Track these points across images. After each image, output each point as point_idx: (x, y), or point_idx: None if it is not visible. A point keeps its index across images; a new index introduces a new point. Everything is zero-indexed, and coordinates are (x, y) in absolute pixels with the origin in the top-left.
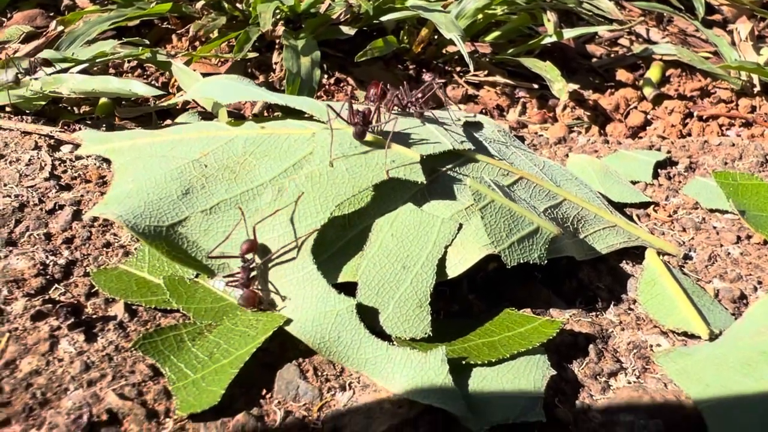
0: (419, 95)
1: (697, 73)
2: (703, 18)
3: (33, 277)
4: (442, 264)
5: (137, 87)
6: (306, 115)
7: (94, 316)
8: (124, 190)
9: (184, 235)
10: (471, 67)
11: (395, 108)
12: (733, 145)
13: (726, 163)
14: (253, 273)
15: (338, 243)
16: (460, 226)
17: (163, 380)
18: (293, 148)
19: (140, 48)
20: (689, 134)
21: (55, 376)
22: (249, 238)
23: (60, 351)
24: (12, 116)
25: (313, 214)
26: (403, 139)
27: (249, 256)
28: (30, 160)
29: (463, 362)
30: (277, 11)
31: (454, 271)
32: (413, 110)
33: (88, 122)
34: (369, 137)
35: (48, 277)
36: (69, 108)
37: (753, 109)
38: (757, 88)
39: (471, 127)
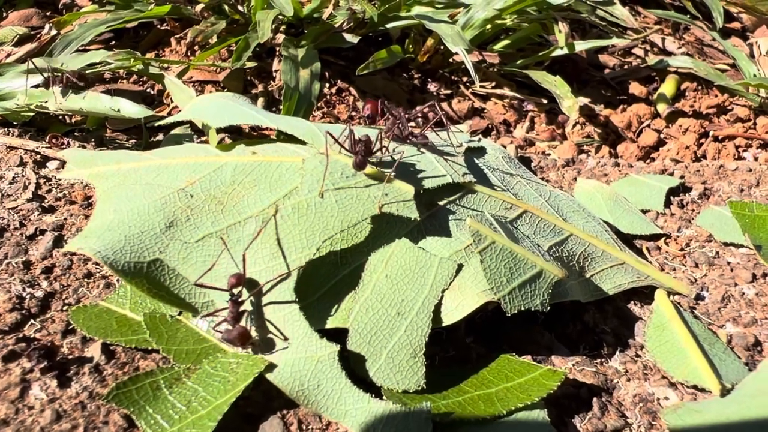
0: (419, 117)
1: (714, 88)
2: (722, 27)
3: (8, 311)
4: (437, 309)
5: (127, 107)
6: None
7: (70, 357)
8: (104, 221)
9: (165, 269)
10: (476, 81)
11: (394, 137)
12: (750, 170)
13: (742, 190)
14: (243, 308)
15: (329, 282)
16: (460, 266)
17: None
18: (284, 178)
19: (132, 59)
20: (704, 156)
21: (24, 426)
22: (237, 272)
23: (31, 398)
24: None
25: (298, 249)
26: (401, 170)
27: (237, 290)
28: (14, 178)
29: (456, 419)
30: (279, 17)
31: (450, 318)
32: (414, 141)
33: (77, 134)
34: (368, 169)
35: (24, 312)
36: (59, 118)
37: None
38: None
39: (473, 153)
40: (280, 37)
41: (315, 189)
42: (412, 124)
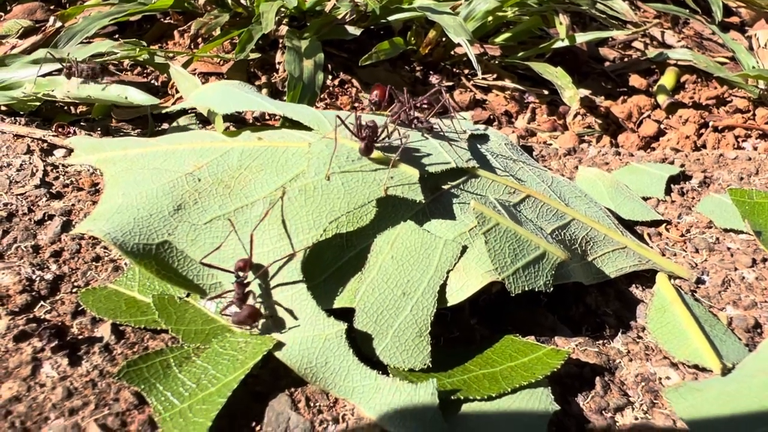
0: (425, 104)
1: (713, 80)
2: (720, 20)
3: (18, 293)
4: (442, 290)
5: (134, 95)
6: (305, 125)
7: (80, 337)
8: (113, 204)
9: (173, 251)
10: (479, 72)
11: (400, 122)
12: (750, 159)
13: (742, 179)
14: (248, 289)
15: (335, 264)
16: (464, 248)
17: (148, 408)
18: (291, 162)
19: (138, 49)
20: (704, 146)
21: (36, 403)
22: (244, 257)
23: (42, 375)
24: (5, 118)
25: (305, 230)
26: (406, 154)
27: (243, 273)
28: (21, 165)
29: (461, 396)
30: (282, 10)
31: (455, 298)
32: (419, 126)
33: (83, 124)
34: (374, 154)
35: (34, 293)
36: (65, 108)
37: None
38: None
39: (477, 140)
40: (283, 29)
41: (321, 172)
42: (418, 111)
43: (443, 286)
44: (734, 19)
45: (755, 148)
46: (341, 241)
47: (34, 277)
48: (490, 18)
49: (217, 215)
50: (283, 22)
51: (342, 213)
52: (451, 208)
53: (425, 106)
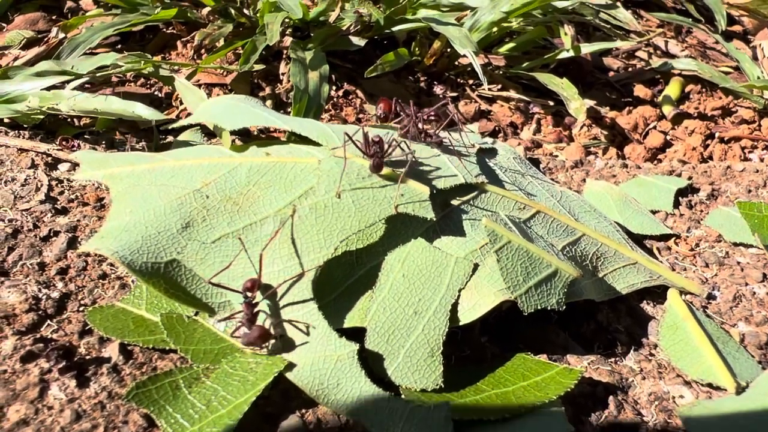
0: (432, 116)
1: (718, 90)
2: (724, 29)
3: (24, 312)
4: (454, 308)
5: (141, 109)
6: (312, 140)
7: (87, 358)
8: (121, 222)
9: (182, 269)
10: (485, 83)
11: (409, 136)
12: (757, 171)
13: (750, 191)
14: (258, 309)
15: (345, 283)
16: (475, 266)
17: (158, 431)
18: (299, 178)
19: (142, 62)
20: (710, 157)
21: (44, 426)
22: (252, 277)
23: (50, 398)
24: (8, 131)
25: (316, 249)
26: (415, 170)
27: (251, 294)
28: (26, 180)
29: (475, 417)
30: (286, 20)
31: (467, 317)
32: (427, 141)
33: (87, 137)
34: (384, 170)
35: (40, 312)
36: (69, 120)
37: None
38: None
39: (485, 154)
40: (287, 40)
41: (332, 190)
42: (426, 123)
43: (455, 305)
44: (737, 28)
45: (762, 160)
46: (351, 259)
47: (40, 295)
48: (494, 29)
49: (225, 233)
50: (287, 32)
51: (353, 231)
52: (462, 224)
53: (432, 118)
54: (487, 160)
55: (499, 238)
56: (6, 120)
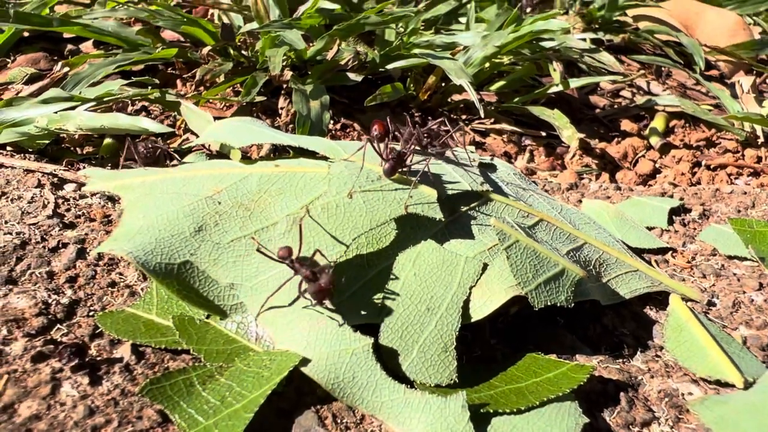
0: (432, 130)
1: (701, 124)
2: (703, 69)
3: (34, 316)
4: (465, 306)
5: (148, 124)
6: (318, 157)
7: (99, 358)
8: (134, 226)
9: (195, 271)
10: (481, 112)
11: (414, 146)
12: (745, 193)
13: (739, 211)
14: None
15: (357, 284)
16: (485, 266)
17: (172, 426)
18: (309, 186)
19: (149, 87)
20: (698, 182)
21: (57, 421)
22: (283, 245)
23: (62, 394)
24: (14, 154)
25: (329, 247)
26: (424, 177)
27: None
28: (32, 198)
29: (490, 410)
30: (285, 56)
31: (478, 313)
32: (432, 150)
33: (93, 162)
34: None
35: (50, 316)
36: (71, 148)
37: (759, 159)
38: (761, 140)
39: (486, 169)
40: (287, 74)
41: (343, 191)
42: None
43: (466, 302)
44: (713, 72)
45: (748, 185)
46: (362, 261)
47: (50, 300)
48: (487, 64)
49: (238, 236)
50: (286, 68)
51: (365, 230)
52: (469, 229)
53: (433, 132)
54: (489, 174)
55: (507, 237)
56: (8, 147)
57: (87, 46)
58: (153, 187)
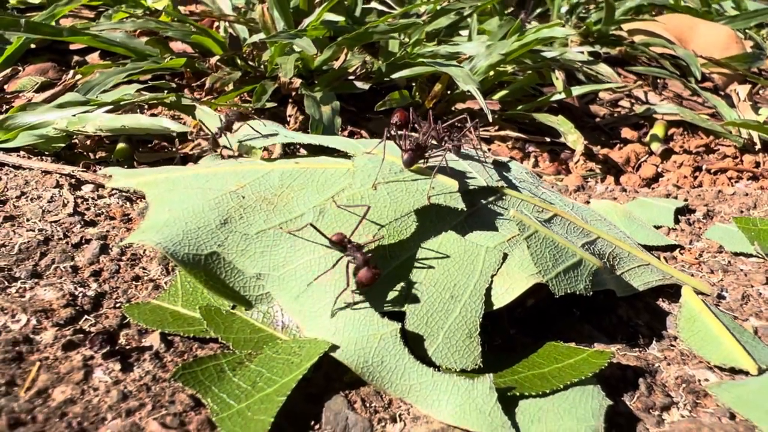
0: (454, 125)
1: (700, 132)
2: (699, 79)
3: (62, 307)
4: (488, 294)
5: (168, 123)
6: (337, 156)
7: (128, 347)
8: (161, 218)
9: (221, 262)
10: (489, 117)
11: (432, 141)
12: (747, 194)
13: (742, 212)
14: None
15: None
16: (505, 256)
17: (205, 411)
18: (330, 181)
19: (165, 91)
20: (701, 185)
21: (92, 405)
22: (337, 231)
23: (95, 380)
24: (31, 157)
25: (354, 237)
26: (442, 172)
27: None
28: (52, 197)
29: (516, 393)
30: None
31: (500, 300)
32: (449, 145)
33: (109, 165)
34: (414, 167)
35: (77, 308)
36: (84, 153)
37: (757, 164)
38: (758, 146)
39: (500, 167)
40: (296, 82)
41: (367, 182)
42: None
43: (488, 290)
44: (708, 84)
45: (747, 188)
46: (384, 252)
47: (76, 293)
48: (491, 72)
49: (262, 229)
50: (294, 77)
51: (390, 220)
52: (488, 221)
53: (454, 128)
54: (503, 172)
55: (527, 227)
56: (22, 151)
57: (93, 57)
58: (176, 182)
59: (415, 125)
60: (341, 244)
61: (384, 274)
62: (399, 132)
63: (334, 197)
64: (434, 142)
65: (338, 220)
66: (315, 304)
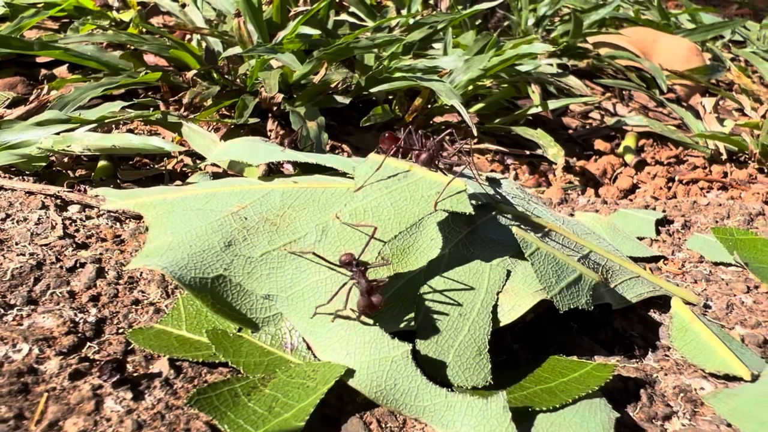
0: (445, 141)
1: (669, 143)
2: (665, 91)
3: (63, 335)
4: (494, 311)
5: (159, 142)
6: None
7: (136, 374)
8: (163, 242)
9: (228, 285)
10: (474, 131)
11: (420, 163)
12: (720, 205)
13: (717, 222)
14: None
15: (386, 294)
16: (508, 272)
17: None
18: (331, 201)
19: (151, 108)
20: (675, 196)
21: None
22: (346, 252)
23: (107, 410)
24: (11, 177)
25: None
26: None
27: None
28: (39, 219)
29: (529, 409)
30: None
31: (507, 317)
32: (443, 164)
33: (92, 184)
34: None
35: (79, 335)
36: (63, 171)
37: (725, 174)
38: (724, 156)
39: (494, 184)
40: (279, 97)
41: (369, 194)
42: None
43: (494, 308)
44: (671, 95)
45: (718, 198)
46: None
47: (77, 319)
48: (470, 87)
49: (267, 250)
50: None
51: (394, 234)
52: (488, 239)
53: (442, 146)
54: (496, 188)
55: (529, 244)
56: (1, 171)
57: (61, 71)
58: (174, 204)
59: (412, 141)
60: (349, 265)
61: (391, 293)
62: (408, 141)
63: (339, 211)
64: (422, 162)
65: (342, 239)
66: (325, 325)
